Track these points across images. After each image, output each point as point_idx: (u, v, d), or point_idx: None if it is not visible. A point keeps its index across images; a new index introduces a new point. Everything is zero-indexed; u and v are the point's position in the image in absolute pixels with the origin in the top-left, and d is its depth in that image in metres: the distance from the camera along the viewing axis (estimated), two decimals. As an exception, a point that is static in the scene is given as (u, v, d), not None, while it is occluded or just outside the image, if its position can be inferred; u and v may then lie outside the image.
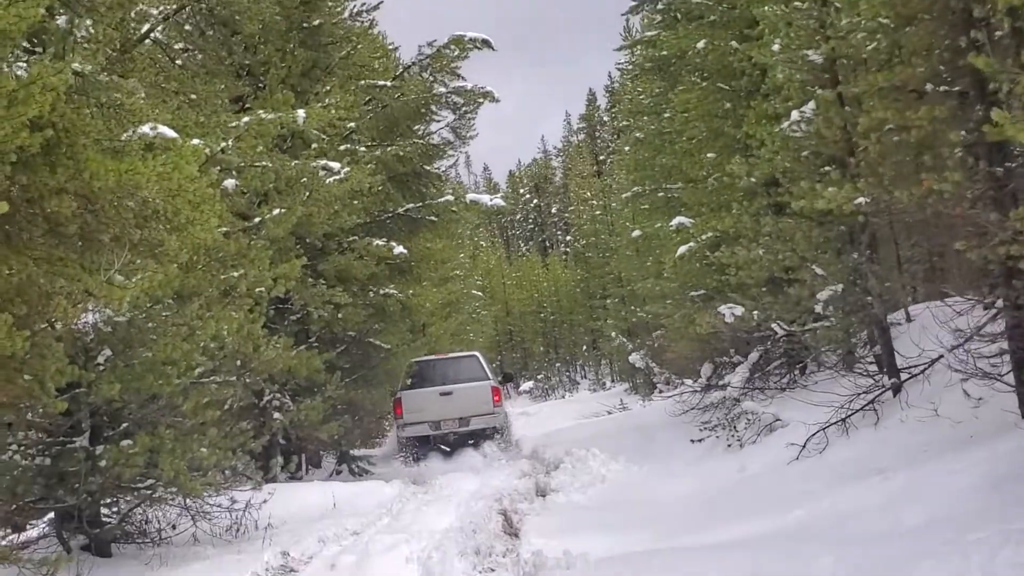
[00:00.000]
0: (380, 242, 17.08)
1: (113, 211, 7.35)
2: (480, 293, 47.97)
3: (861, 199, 7.02)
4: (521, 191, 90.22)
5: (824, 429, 9.04)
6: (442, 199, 19.90)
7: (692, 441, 12.57)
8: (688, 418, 14.47)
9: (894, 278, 9.64)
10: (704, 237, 14.36)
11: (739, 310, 11.93)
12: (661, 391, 30.27)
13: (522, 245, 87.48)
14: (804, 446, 9.08)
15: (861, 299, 9.14)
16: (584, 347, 55.31)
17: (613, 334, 36.95)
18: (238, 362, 12.65)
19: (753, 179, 10.17)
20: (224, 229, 11.83)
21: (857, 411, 9.04)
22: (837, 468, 8.01)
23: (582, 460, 12.65)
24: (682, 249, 15.08)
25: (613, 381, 45.56)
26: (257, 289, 11.22)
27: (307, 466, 20.59)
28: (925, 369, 8.73)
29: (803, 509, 6.97)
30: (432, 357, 21.10)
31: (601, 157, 78.20)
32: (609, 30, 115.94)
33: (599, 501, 10.50)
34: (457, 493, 13.42)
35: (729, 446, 11.63)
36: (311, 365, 15.68)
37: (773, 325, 11.96)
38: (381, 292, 17.75)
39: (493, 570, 8.96)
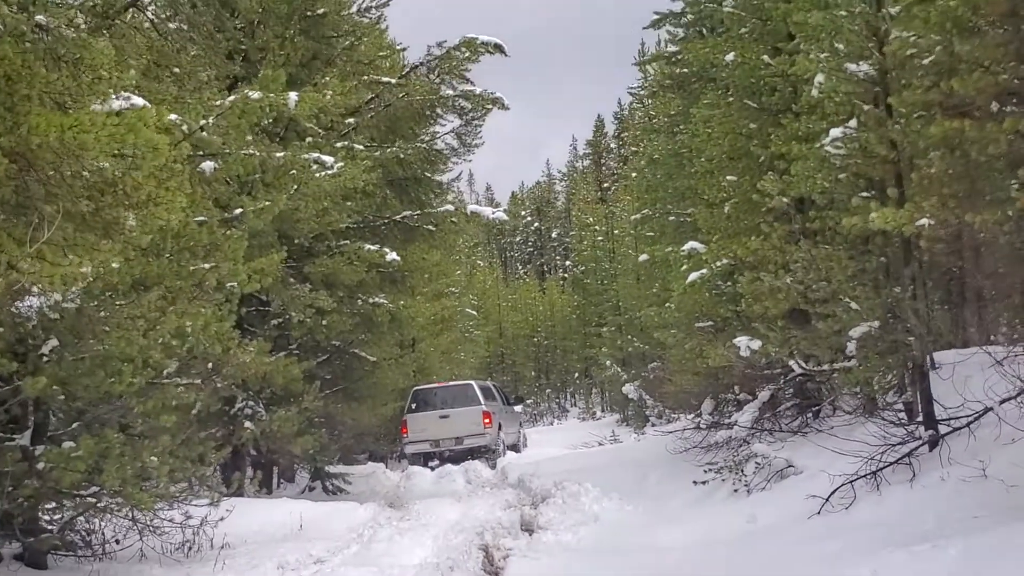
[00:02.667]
0: (372, 247, 16.05)
1: (59, 178, 6.36)
2: (474, 312, 46.89)
3: (924, 220, 6.04)
4: (523, 212, 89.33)
5: (852, 482, 8.01)
6: (442, 208, 18.87)
7: (695, 483, 11.51)
8: (688, 456, 13.41)
9: (938, 317, 8.63)
10: (718, 264, 13.36)
11: (756, 343, 10.92)
12: (654, 424, 29.23)
13: (520, 268, 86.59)
14: (828, 499, 8.05)
15: (901, 338, 8.13)
16: (576, 375, 54.30)
17: (608, 363, 35.93)
18: (210, 365, 11.69)
19: (786, 200, 9.20)
20: (201, 218, 10.87)
21: (889, 464, 8.01)
22: (869, 529, 6.97)
23: (574, 496, 11.59)
24: (693, 276, 14.08)
25: (603, 411, 44.53)
26: (229, 284, 10.20)
27: (279, 480, 19.53)
28: (971, 422, 7.72)
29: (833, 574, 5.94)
30: (432, 385, 24.22)
31: (606, 184, 77.43)
32: (622, 53, 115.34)
33: (591, 544, 9.43)
34: (436, 522, 12.36)
35: (736, 491, 10.59)
36: (288, 373, 14.65)
37: (791, 362, 10.95)
38: (370, 301, 16.70)
39: (469, 617, 7.93)
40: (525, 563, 8.44)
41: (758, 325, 10.52)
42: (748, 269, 12.07)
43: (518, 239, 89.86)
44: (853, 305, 8.59)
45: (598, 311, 46.05)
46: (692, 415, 17.82)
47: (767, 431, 12.43)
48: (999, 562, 5.15)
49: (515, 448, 25.03)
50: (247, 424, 14.78)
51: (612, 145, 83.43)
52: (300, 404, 14.74)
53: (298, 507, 13.28)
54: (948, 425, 8.08)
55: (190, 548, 10.45)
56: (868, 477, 8.01)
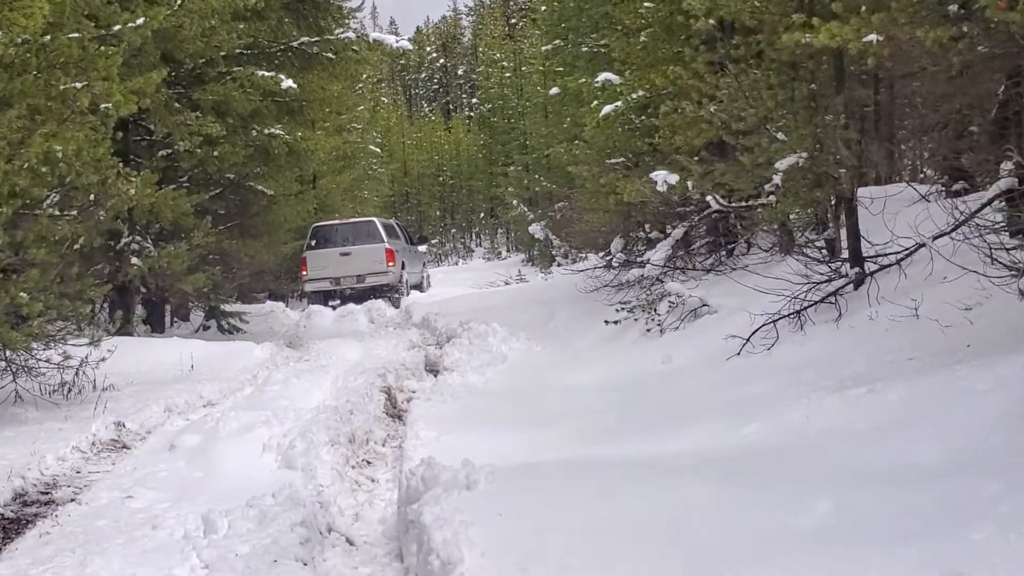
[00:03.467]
0: (267, 74, 14.95)
1: None
2: (378, 150, 45.65)
3: (872, 36, 5.44)
4: (428, 48, 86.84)
5: (775, 322, 7.62)
6: (343, 35, 17.67)
7: (606, 322, 11.13)
8: (598, 296, 13.05)
9: (869, 149, 8.14)
10: (634, 96, 12.71)
11: (674, 178, 10.40)
12: (560, 264, 28.96)
13: (425, 106, 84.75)
14: (748, 340, 7.67)
15: (831, 170, 7.64)
16: (482, 215, 53.82)
17: (514, 202, 35.39)
18: (92, 196, 10.79)
19: (712, 22, 8.51)
20: (74, 35, 9.76)
21: (814, 304, 7.63)
22: (795, 371, 6.59)
23: (481, 336, 11.10)
24: (607, 109, 13.40)
25: (509, 251, 44.26)
26: (103, 106, 9.22)
27: (172, 319, 18.76)
28: (902, 259, 7.33)
29: (761, 422, 5.53)
30: (333, 222, 22.99)
31: (513, 20, 75.33)
32: None
33: (500, 385, 8.97)
34: (336, 363, 11.84)
35: (648, 331, 10.23)
36: (177, 207, 13.74)
37: (709, 198, 10.48)
38: (266, 132, 15.68)
39: (370, 463, 7.44)
40: (429, 406, 7.95)
41: (678, 158, 9.97)
42: (668, 99, 11.47)
43: (423, 76, 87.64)
44: (780, 136, 8.06)
45: (505, 150, 45.29)
46: (601, 254, 17.47)
47: (680, 270, 12.06)
48: (943, 408, 4.76)
49: (419, 288, 24.47)
50: (134, 260, 13.91)
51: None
52: (191, 240, 13.89)
53: (190, 347, 12.62)
54: (875, 263, 7.70)
55: (69, 390, 9.77)
56: (791, 317, 7.62)
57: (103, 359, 9.90)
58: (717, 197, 10.38)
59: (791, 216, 9.93)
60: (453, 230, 53.47)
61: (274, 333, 17.10)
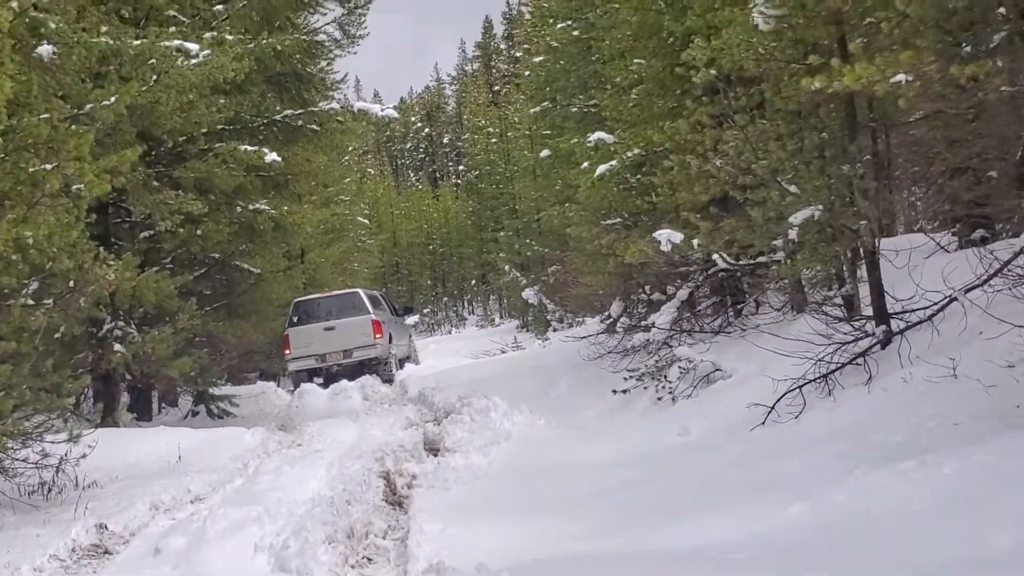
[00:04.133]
0: (250, 148, 14.54)
1: None
2: (366, 221, 45.33)
3: (901, 76, 5.01)
4: (412, 119, 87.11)
5: (800, 387, 7.10)
6: (327, 107, 17.34)
7: (613, 392, 10.58)
8: (602, 363, 12.51)
9: (889, 199, 7.69)
10: (629, 155, 12.31)
11: (678, 236, 9.94)
12: (556, 329, 28.48)
13: (412, 175, 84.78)
14: (773, 408, 7.14)
15: (849, 223, 7.19)
16: (473, 282, 53.39)
17: (507, 268, 34.98)
18: (71, 283, 10.29)
19: (714, 72, 8.10)
20: (44, 115, 9.34)
21: (842, 366, 7.12)
22: (829, 442, 6.06)
23: (482, 411, 10.52)
24: (601, 168, 13.01)
25: (502, 317, 43.76)
26: (75, 187, 8.75)
27: (160, 406, 18.17)
28: (933, 315, 6.84)
29: (804, 502, 4.98)
30: (315, 296, 21.80)
31: (496, 87, 75.69)
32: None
33: (505, 466, 8.39)
34: (330, 447, 11.24)
35: (659, 399, 9.69)
36: (161, 289, 13.21)
37: (716, 256, 10.03)
38: (250, 207, 15.23)
39: (371, 560, 6.85)
40: (432, 494, 7.36)
41: (685, 215, 9.52)
42: (665, 156, 11.07)
43: (409, 146, 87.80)
44: (792, 188, 7.61)
45: (494, 215, 45.01)
46: (601, 318, 16.98)
47: (687, 332, 11.57)
48: (1010, 482, 4.25)
49: (408, 360, 23.54)
50: (117, 347, 13.35)
51: (502, 46, 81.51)
52: (176, 323, 13.36)
53: (177, 436, 12.02)
54: (903, 320, 7.21)
55: (49, 490, 9.15)
56: (818, 381, 7.10)
57: (84, 455, 9.32)
58: (724, 255, 9.93)
59: (804, 272, 9.45)
60: (445, 299, 52.95)
61: (265, 415, 16.49)
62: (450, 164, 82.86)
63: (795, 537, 4.54)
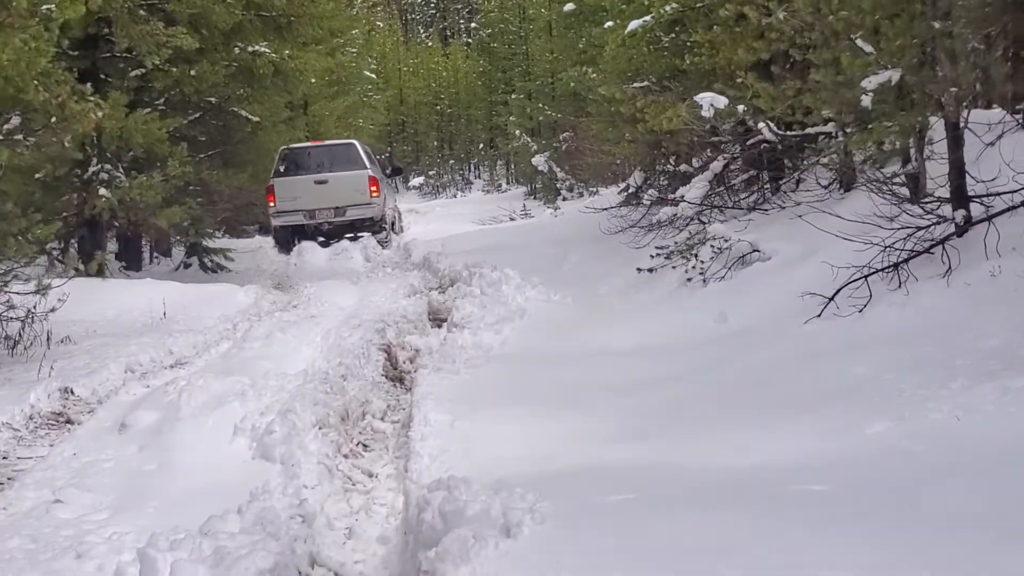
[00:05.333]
0: (250, -18, 13.37)
1: None
2: (374, 76, 43.68)
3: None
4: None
5: (866, 277, 6.18)
6: (335, -58, 16.01)
7: (638, 270, 9.69)
8: (624, 238, 11.58)
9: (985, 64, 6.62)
10: (667, 8, 11.13)
11: (721, 101, 8.89)
12: (565, 199, 27.44)
13: (421, 31, 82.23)
14: (832, 299, 6.24)
15: (935, 90, 6.16)
16: (480, 146, 51.82)
17: (517, 132, 33.61)
18: (53, 119, 9.36)
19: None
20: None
21: (916, 254, 6.19)
22: (905, 343, 5.15)
23: (494, 284, 9.60)
24: (633, 24, 11.81)
25: (509, 183, 42.54)
26: (45, 7, 7.68)
27: (153, 255, 17.34)
28: (1027, 201, 5.88)
29: (890, 418, 4.10)
30: (306, 144, 19.26)
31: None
32: None
33: (519, 348, 7.51)
34: (328, 312, 10.42)
35: (689, 280, 8.79)
36: (150, 132, 12.26)
37: (761, 125, 9.01)
38: (249, 49, 14.05)
39: (367, 447, 6.08)
40: (439, 378, 6.47)
41: (735, 77, 8.45)
42: (706, 13, 9.97)
43: (419, 0, 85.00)
44: (866, 47, 6.56)
45: (506, 77, 43.29)
46: (619, 189, 15.98)
47: (717, 208, 10.60)
48: None
49: (391, 229, 20.65)
50: (102, 191, 12.43)
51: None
52: (166, 169, 12.41)
53: (164, 290, 11.22)
54: (984, 204, 6.25)
55: (15, 344, 8.36)
56: (887, 271, 6.18)
57: (53, 309, 8.51)
58: (771, 124, 8.91)
59: (866, 146, 8.41)
60: (451, 161, 51.52)
61: (261, 272, 15.67)
62: (461, 21, 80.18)
63: (886, 464, 3.69)
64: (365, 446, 6.01)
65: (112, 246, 15.37)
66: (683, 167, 12.68)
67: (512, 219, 24.52)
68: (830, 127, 8.87)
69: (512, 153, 39.20)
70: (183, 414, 5.93)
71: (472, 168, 54.32)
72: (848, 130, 7.29)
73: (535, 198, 31.18)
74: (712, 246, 8.97)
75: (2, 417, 6.27)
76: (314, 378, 6.82)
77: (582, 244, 13.76)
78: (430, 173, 48.07)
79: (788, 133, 8.99)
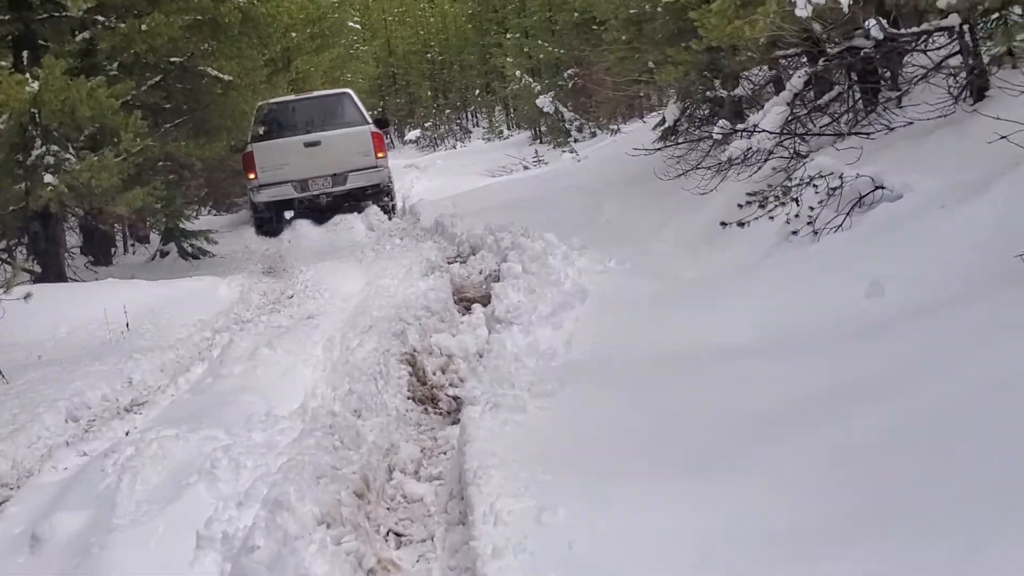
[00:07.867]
0: (203, -88, 11.13)
1: None
2: (358, 26, 41.22)
3: None
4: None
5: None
6: None
7: (723, 224, 7.57)
8: (660, 181, 9.54)
9: None
10: None
11: (820, -6, 6.77)
12: (576, 140, 25.27)
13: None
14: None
15: None
16: (477, 92, 49.44)
17: (516, 73, 31.27)
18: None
19: None
20: None
21: None
22: None
23: (538, 258, 7.46)
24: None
25: (511, 129, 40.24)
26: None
27: (128, 243, 15.30)
28: None
29: None
30: (289, 98, 16.00)
31: None
32: None
33: (596, 350, 5.34)
34: (329, 307, 8.40)
35: (794, 233, 6.74)
36: (98, 102, 10.15)
37: (870, 22, 6.91)
38: (211, -7, 11.83)
39: (400, 538, 4.07)
40: (498, 422, 4.15)
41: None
42: None
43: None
44: None
45: (498, 16, 40.88)
46: (654, 124, 13.86)
47: (799, 136, 8.51)
48: None
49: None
50: (48, 178, 10.33)
51: None
52: (121, 146, 10.32)
53: (130, 293, 9.23)
54: None
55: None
56: None
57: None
58: (883, 22, 6.81)
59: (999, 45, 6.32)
60: (447, 111, 49.10)
61: (251, 254, 13.63)
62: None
63: None
64: (398, 537, 4.00)
65: (76, 239, 13.37)
66: (736, 91, 10.61)
67: (526, 167, 22.36)
68: (952, 19, 6.81)
69: (511, 97, 36.90)
70: (121, 513, 3.92)
71: (470, 116, 51.98)
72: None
73: (541, 142, 29.04)
74: (816, 186, 6.91)
75: None
76: (315, 422, 4.80)
77: (615, 192, 11.92)
78: (426, 125, 45.75)
79: (900, 31, 6.89)
